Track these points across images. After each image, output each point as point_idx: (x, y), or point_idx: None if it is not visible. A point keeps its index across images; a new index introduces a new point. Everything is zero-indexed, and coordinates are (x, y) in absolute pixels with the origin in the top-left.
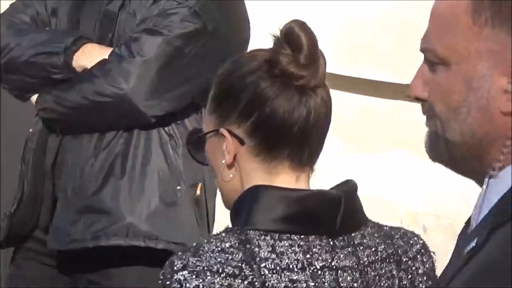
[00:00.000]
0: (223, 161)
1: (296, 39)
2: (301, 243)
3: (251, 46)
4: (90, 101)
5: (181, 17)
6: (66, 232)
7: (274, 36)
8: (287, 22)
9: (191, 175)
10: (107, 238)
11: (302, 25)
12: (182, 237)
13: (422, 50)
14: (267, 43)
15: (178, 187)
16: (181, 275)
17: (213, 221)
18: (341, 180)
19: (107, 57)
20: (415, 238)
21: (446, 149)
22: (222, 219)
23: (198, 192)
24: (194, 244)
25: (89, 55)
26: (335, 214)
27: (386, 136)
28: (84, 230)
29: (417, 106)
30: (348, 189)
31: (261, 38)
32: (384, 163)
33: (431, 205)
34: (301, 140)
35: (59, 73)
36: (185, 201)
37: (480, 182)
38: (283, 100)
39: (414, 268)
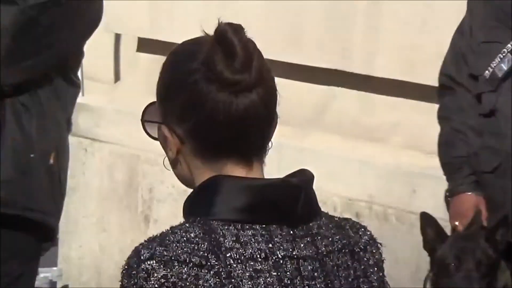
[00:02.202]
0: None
1: (230, 46)
2: (263, 232)
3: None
4: None
5: None
6: None
7: (208, 37)
8: (221, 24)
9: (44, 144)
10: None
11: (236, 29)
12: (35, 204)
13: None
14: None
15: (32, 155)
16: (149, 264)
17: (65, 188)
18: (274, 164)
19: None
20: (363, 229)
21: None
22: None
23: (51, 161)
24: (159, 234)
25: None
26: (296, 203)
27: (319, 122)
28: None
29: (351, 92)
30: (306, 178)
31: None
32: (317, 150)
33: (364, 192)
34: (242, 139)
35: None
36: (38, 169)
37: None
38: (220, 104)
39: (365, 259)
